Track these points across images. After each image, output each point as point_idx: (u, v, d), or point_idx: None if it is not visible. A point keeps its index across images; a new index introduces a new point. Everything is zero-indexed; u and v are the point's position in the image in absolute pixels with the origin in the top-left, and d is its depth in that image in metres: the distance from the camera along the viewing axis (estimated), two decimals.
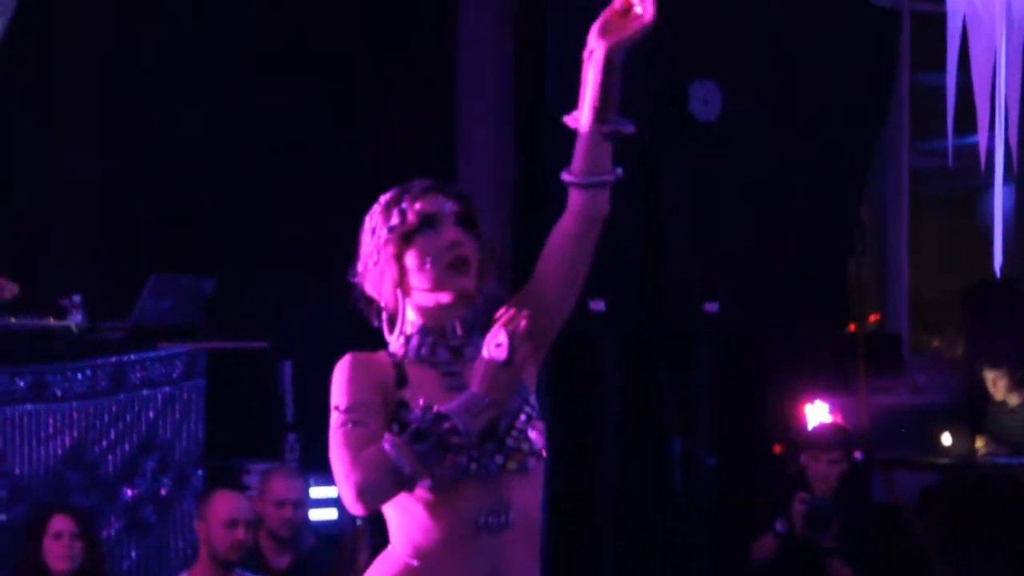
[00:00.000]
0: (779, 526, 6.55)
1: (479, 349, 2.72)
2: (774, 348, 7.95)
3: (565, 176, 2.87)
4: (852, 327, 9.26)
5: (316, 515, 6.42)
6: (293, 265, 7.16)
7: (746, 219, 7.93)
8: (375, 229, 2.81)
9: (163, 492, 5.98)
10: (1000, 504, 8.59)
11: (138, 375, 5.92)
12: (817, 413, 7.63)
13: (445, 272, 2.76)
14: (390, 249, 2.78)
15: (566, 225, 2.88)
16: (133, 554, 5.93)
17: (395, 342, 2.81)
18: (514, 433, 2.76)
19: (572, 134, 7.51)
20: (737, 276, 7.78)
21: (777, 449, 7.93)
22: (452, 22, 7.67)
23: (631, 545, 7.33)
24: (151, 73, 6.99)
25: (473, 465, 2.71)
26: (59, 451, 5.78)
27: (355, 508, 2.67)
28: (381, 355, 2.81)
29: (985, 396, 8.94)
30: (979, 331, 9.69)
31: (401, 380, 2.76)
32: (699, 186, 7.59)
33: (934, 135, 9.08)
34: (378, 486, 2.64)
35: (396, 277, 2.79)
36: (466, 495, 2.72)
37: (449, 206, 2.79)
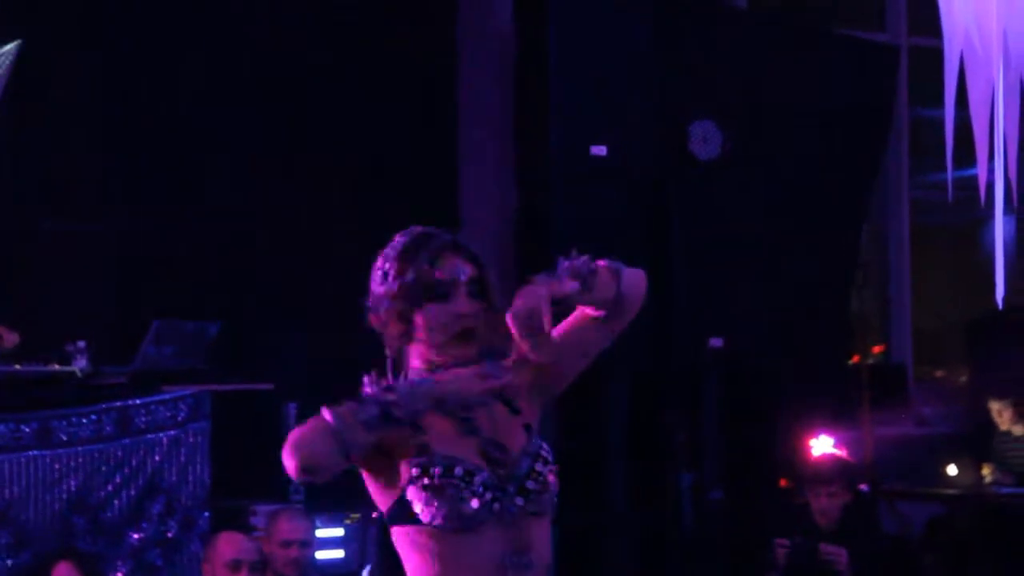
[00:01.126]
0: None
1: (484, 399, 2.78)
2: (779, 382, 7.96)
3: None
4: (856, 359, 9.28)
5: (322, 555, 6.44)
6: (297, 308, 7.19)
7: (749, 254, 7.95)
8: (388, 275, 2.80)
9: (169, 535, 5.99)
10: (1007, 534, 8.58)
11: (143, 419, 5.94)
12: (822, 446, 7.63)
13: (450, 340, 2.78)
14: (399, 306, 2.79)
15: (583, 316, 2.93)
16: None
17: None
18: (534, 476, 2.77)
19: (574, 164, 7.49)
20: (741, 311, 7.81)
21: (783, 483, 7.93)
22: (452, 55, 7.72)
23: None
24: (158, 117, 7.04)
25: (496, 505, 2.72)
26: (64, 496, 5.80)
27: (291, 467, 2.66)
28: None
29: (990, 426, 8.95)
30: (983, 362, 9.70)
31: (416, 427, 2.74)
32: (702, 223, 7.62)
33: (934, 168, 9.11)
34: (313, 445, 2.64)
35: (401, 330, 2.80)
36: (488, 536, 2.72)
37: (465, 273, 2.79)
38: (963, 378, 10.27)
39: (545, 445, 2.83)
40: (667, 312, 7.51)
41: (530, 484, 2.76)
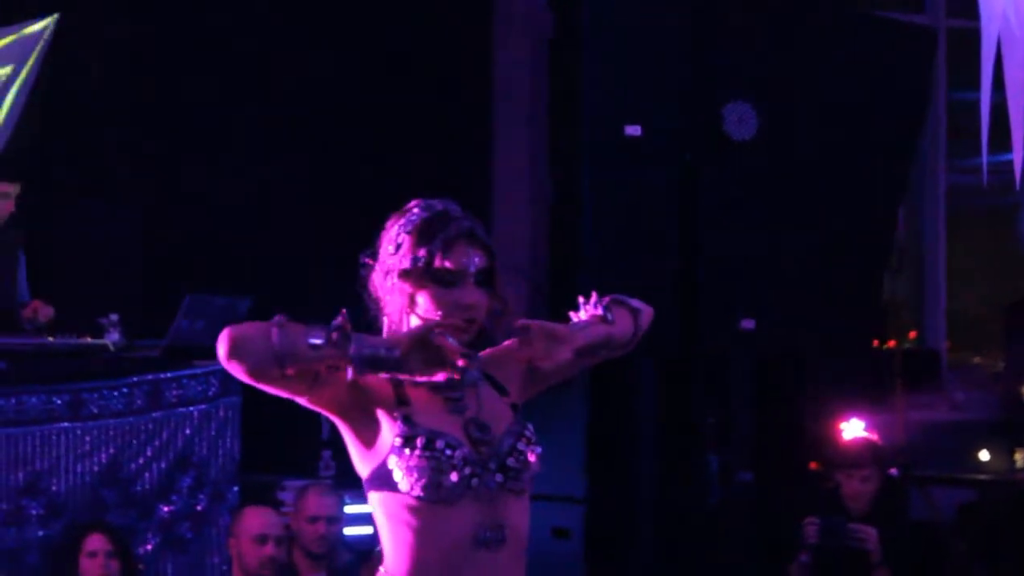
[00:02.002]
0: (803, 558, 6.54)
1: (478, 375, 2.81)
2: (811, 365, 7.94)
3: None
4: (890, 343, 9.24)
5: (351, 532, 6.47)
6: (329, 283, 7.21)
7: (782, 237, 7.92)
8: (400, 247, 2.82)
9: (199, 508, 6.03)
10: None
11: (174, 393, 5.97)
12: (853, 430, 7.60)
13: (451, 325, 2.78)
14: (407, 285, 2.80)
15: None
16: (169, 570, 5.98)
17: None
18: (515, 454, 2.80)
19: (608, 144, 7.47)
20: (773, 293, 7.78)
21: (813, 466, 7.91)
22: (486, 36, 7.72)
23: (668, 562, 7.34)
24: (189, 93, 7.07)
25: (475, 480, 2.74)
26: (96, 468, 5.84)
27: (223, 348, 2.71)
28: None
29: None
30: (1019, 346, 9.65)
31: (401, 400, 2.78)
32: (735, 205, 7.59)
33: (971, 152, 9.06)
34: (249, 338, 2.68)
35: (406, 305, 2.82)
36: (465, 510, 2.75)
37: (476, 263, 2.80)
38: (1000, 364, 10.23)
39: (530, 425, 2.86)
40: (698, 293, 7.50)
41: (511, 462, 2.79)
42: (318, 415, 6.49)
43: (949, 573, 8.68)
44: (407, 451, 2.71)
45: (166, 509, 5.96)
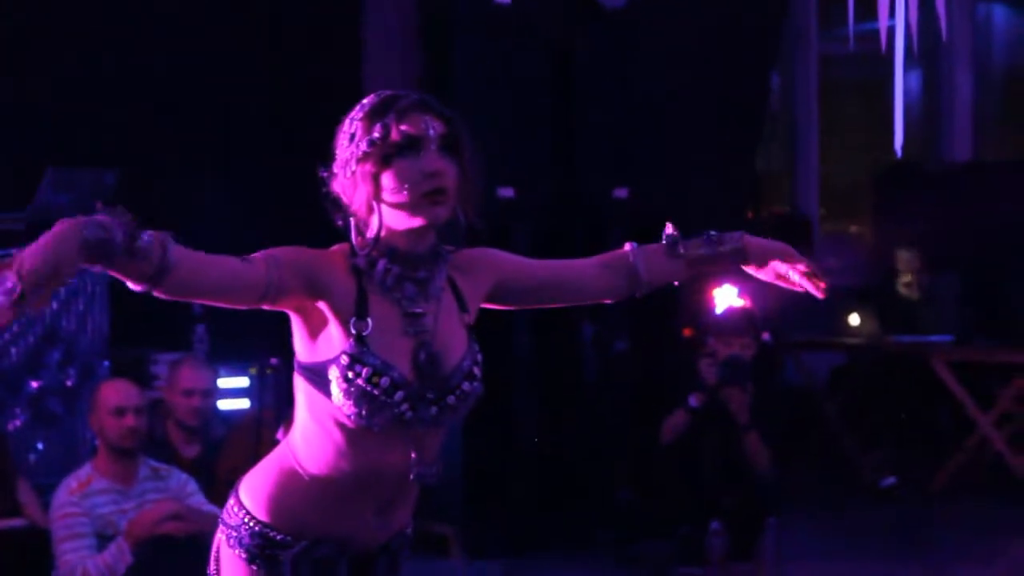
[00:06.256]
0: (692, 401, 6.64)
1: (441, 284, 2.74)
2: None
3: (641, 272, 2.96)
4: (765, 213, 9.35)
5: (226, 405, 6.46)
6: (198, 153, 7.13)
7: (656, 107, 7.95)
8: (355, 136, 2.70)
9: (69, 384, 5.97)
10: (906, 382, 8.75)
11: None
12: (725, 296, 7.69)
13: (421, 199, 2.67)
14: (368, 165, 2.68)
15: (592, 279, 2.96)
16: (40, 446, 5.94)
17: (361, 251, 2.71)
18: (458, 392, 2.74)
19: (479, 18, 7.34)
20: (647, 163, 7.82)
21: (687, 332, 8.01)
22: None
23: (546, 431, 7.41)
24: None
25: (408, 415, 2.68)
26: None
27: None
28: (340, 262, 2.71)
29: (893, 277, 9.09)
30: (888, 214, 9.82)
31: (362, 309, 2.69)
32: (608, 74, 7.59)
33: (841, 21, 9.12)
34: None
35: (371, 193, 2.69)
36: (393, 439, 2.70)
37: (435, 129, 2.69)
38: (870, 231, 10.41)
39: (480, 356, 2.78)
40: (572, 164, 7.51)
41: (451, 399, 2.73)
42: None
43: (820, 435, 8.88)
44: (350, 373, 2.64)
45: (35, 384, 5.89)
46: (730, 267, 3.06)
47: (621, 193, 7.58)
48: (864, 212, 10.60)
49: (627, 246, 2.98)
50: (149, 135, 6.97)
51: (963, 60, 10.24)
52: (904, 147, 6.79)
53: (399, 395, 2.66)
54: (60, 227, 2.46)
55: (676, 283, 3.06)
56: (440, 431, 2.78)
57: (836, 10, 9.54)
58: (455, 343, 2.76)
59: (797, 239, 9.27)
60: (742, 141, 8.71)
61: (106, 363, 6.07)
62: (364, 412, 2.65)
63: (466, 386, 2.74)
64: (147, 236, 2.50)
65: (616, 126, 7.62)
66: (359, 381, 2.64)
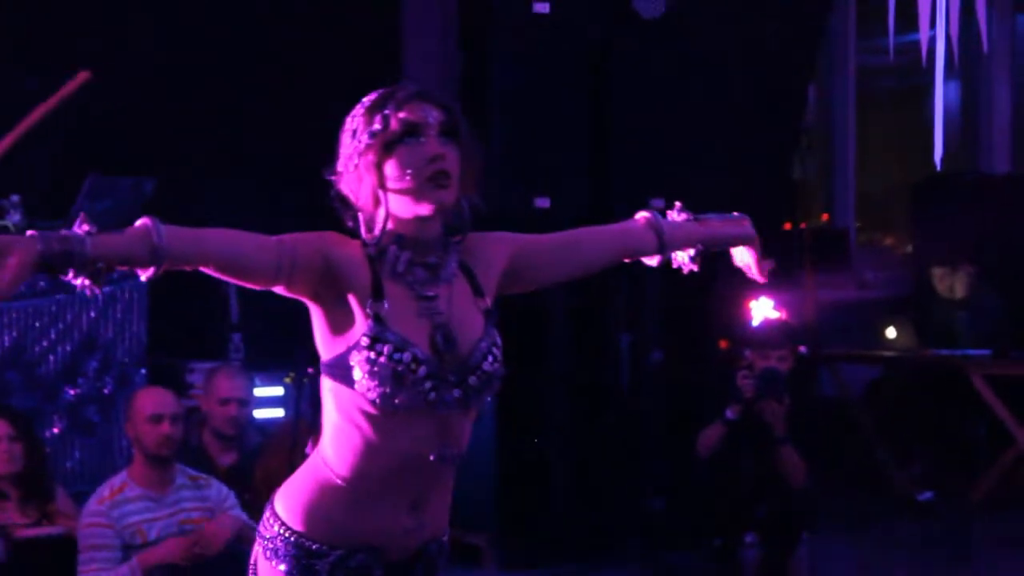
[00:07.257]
0: (729, 413, 6.60)
1: (453, 270, 2.76)
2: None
3: (664, 229, 3.07)
4: (802, 225, 9.32)
5: (261, 414, 6.47)
6: (236, 163, 7.14)
7: (692, 116, 7.92)
8: (356, 132, 2.74)
9: (106, 391, 5.98)
10: (943, 395, 8.70)
11: None
12: (762, 309, 7.67)
13: (425, 184, 2.69)
14: (370, 156, 2.71)
15: (612, 237, 3.05)
16: (76, 454, 5.95)
17: (372, 243, 2.73)
18: (479, 373, 2.74)
19: (518, 26, 7.34)
20: (683, 173, 7.79)
21: (723, 344, 7.98)
22: None
23: (580, 440, 7.40)
24: None
25: (432, 395, 2.69)
26: None
27: None
28: (357, 249, 2.74)
29: (930, 290, 9.04)
30: (926, 227, 9.76)
31: (378, 292, 2.71)
32: (645, 84, 7.57)
33: (880, 32, 9.08)
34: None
35: (375, 183, 2.72)
36: (417, 421, 2.70)
37: (434, 116, 2.72)
38: (908, 244, 10.36)
39: (499, 339, 2.79)
40: (608, 173, 7.50)
41: (472, 380, 2.73)
42: (226, 298, 6.44)
43: (856, 448, 8.83)
44: (372, 353, 2.65)
45: (72, 392, 5.91)
46: (730, 245, 3.25)
47: (657, 203, 7.55)
48: (901, 224, 10.55)
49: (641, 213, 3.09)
50: (189, 142, 6.99)
51: (1003, 71, 10.17)
52: (943, 158, 6.76)
53: (422, 370, 2.67)
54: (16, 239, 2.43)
55: (695, 252, 3.15)
56: (466, 417, 2.78)
57: (873, 21, 9.52)
58: (471, 326, 2.77)
59: (833, 251, 9.28)
60: (778, 151, 8.68)
61: (143, 371, 6.09)
62: (388, 390, 2.66)
63: (487, 366, 2.74)
64: (126, 233, 2.51)
65: (653, 136, 7.60)
66: (381, 359, 2.65)
